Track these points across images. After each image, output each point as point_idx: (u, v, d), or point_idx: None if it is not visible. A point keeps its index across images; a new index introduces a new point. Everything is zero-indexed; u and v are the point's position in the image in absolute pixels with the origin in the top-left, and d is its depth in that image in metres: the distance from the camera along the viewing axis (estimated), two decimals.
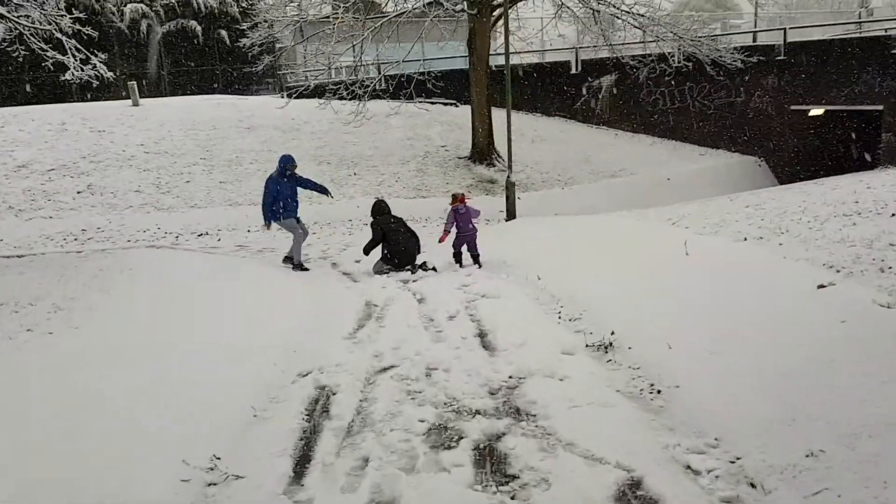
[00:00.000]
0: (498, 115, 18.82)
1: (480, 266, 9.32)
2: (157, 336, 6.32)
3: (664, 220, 9.70)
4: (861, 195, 8.56)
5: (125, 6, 30.20)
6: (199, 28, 31.24)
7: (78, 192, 14.86)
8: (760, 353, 4.78)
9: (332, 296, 8.32)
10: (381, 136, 19.38)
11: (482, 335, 6.39)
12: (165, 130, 18.26)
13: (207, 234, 13.48)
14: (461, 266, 9.52)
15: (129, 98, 20.53)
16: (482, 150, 18.01)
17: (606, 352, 5.62)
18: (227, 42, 31.16)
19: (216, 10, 31.42)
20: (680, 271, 6.86)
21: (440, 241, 9.77)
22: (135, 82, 20.91)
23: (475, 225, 9.62)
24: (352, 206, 15.11)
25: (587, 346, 5.79)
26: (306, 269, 9.93)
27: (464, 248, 9.59)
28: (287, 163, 9.87)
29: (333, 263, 10.59)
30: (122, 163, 16.29)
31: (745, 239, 7.50)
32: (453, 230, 9.58)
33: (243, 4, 30.91)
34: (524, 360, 5.50)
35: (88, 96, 26.72)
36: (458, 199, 9.49)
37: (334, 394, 5.12)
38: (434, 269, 9.41)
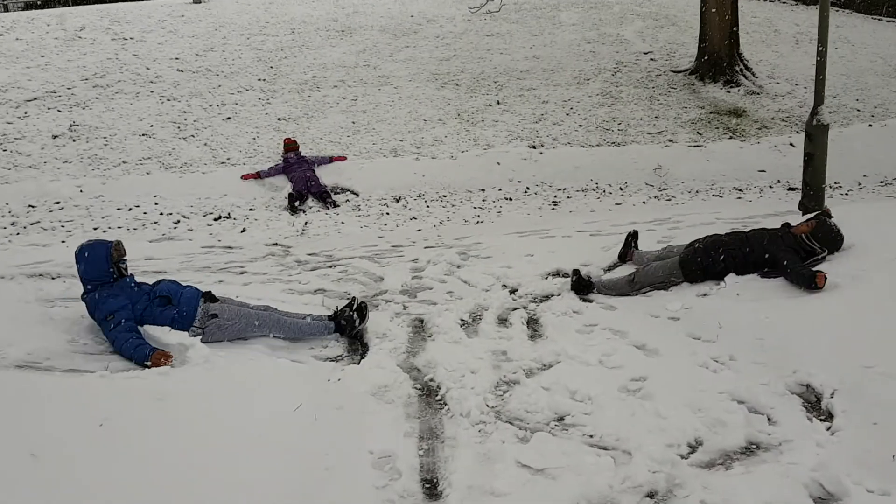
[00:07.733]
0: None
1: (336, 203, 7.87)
2: None
3: None
4: None
5: None
6: None
7: (53, 137, 9.27)
8: None
9: None
10: (544, 39, 12.39)
11: None
12: (219, 37, 12.31)
13: (230, 216, 7.47)
14: (294, 213, 7.53)
15: None
16: (717, 59, 10.62)
17: None
18: None
19: None
20: None
21: (243, 177, 8.21)
22: None
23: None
24: (488, 163, 8.52)
25: None
26: None
27: None
28: None
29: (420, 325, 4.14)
30: (139, 87, 10.52)
31: None
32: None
33: None
34: None
35: None
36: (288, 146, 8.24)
37: None
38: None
